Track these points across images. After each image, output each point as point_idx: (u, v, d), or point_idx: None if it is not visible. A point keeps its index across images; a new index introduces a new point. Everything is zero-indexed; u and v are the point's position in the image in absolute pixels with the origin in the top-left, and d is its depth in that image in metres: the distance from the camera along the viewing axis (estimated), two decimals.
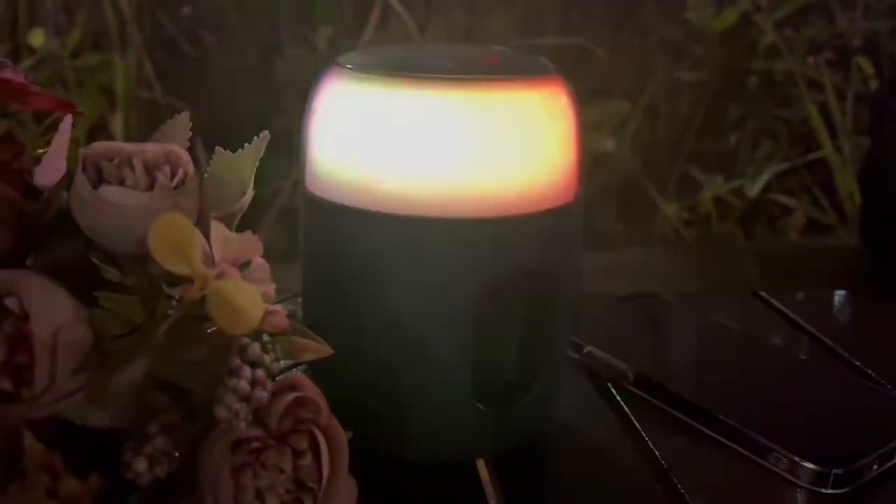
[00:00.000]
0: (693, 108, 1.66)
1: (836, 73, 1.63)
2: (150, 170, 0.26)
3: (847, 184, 1.55)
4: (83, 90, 1.40)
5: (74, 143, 0.31)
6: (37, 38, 1.35)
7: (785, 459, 0.33)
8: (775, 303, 0.53)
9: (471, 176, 0.30)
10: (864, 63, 1.59)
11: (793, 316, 0.51)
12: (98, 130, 1.45)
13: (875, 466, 0.34)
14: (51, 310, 0.23)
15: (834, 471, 0.33)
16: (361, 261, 0.31)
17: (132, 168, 0.26)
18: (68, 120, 0.32)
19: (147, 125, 1.54)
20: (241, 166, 0.28)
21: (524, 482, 0.34)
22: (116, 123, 1.42)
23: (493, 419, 0.33)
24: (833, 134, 1.61)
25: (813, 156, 1.66)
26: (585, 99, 1.23)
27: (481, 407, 0.32)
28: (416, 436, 0.32)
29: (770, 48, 1.61)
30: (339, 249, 0.32)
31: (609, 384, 0.41)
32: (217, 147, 0.29)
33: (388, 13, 1.52)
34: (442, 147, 0.30)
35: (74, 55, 1.39)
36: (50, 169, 0.31)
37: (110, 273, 0.26)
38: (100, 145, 0.27)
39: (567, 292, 0.35)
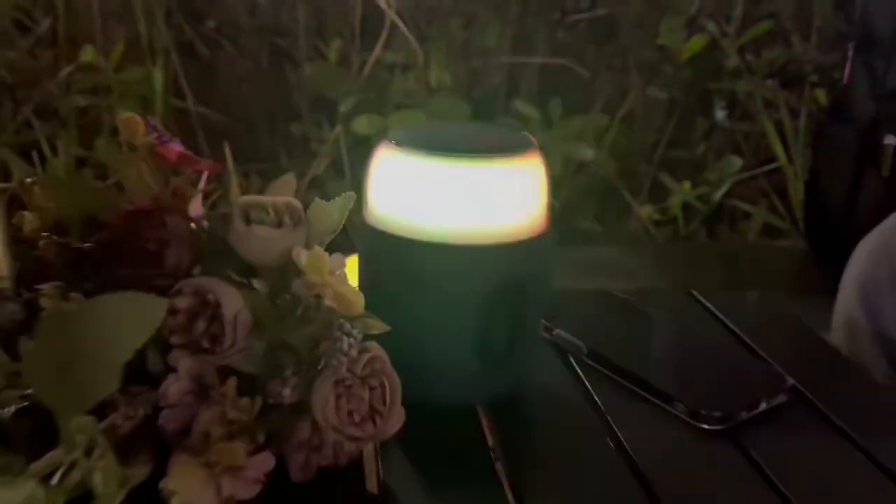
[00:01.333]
0: (664, 121, 1.82)
1: (791, 93, 1.79)
2: (279, 214, 0.41)
3: (799, 192, 1.71)
4: (125, 99, 1.54)
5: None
6: (87, 54, 1.49)
7: (682, 406, 0.49)
8: (701, 299, 0.68)
9: (479, 217, 0.45)
10: (816, 87, 1.75)
11: (712, 309, 0.66)
12: None
13: (743, 413, 0.49)
14: (232, 301, 0.38)
15: (713, 413, 0.48)
16: (402, 270, 0.46)
17: (268, 213, 0.41)
18: (205, 176, 0.47)
19: (180, 130, 1.68)
20: (332, 211, 0.43)
21: (509, 424, 0.49)
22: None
23: (488, 379, 0.48)
24: (787, 147, 1.76)
25: (770, 166, 1.82)
26: (568, 112, 1.40)
27: (481, 369, 0.47)
28: (441, 387, 0.47)
29: (733, 70, 1.77)
30: (386, 263, 0.47)
31: (570, 356, 0.56)
32: (316, 199, 0.44)
33: (395, 31, 1.67)
34: (460, 199, 0.45)
35: (117, 69, 1.53)
36: (195, 207, 0.46)
37: (255, 280, 0.40)
38: (247, 198, 0.41)
39: (541, 291, 0.50)
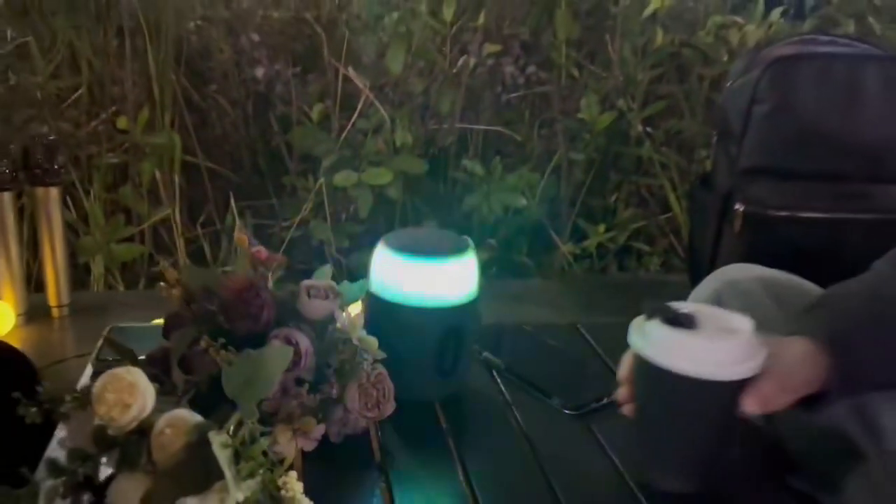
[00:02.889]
0: (583, 177, 2.09)
1: (682, 157, 2.09)
2: (325, 291, 0.69)
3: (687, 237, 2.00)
4: (151, 158, 1.78)
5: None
6: (121, 121, 1.73)
7: (556, 399, 0.78)
8: (581, 330, 0.97)
9: (437, 289, 0.74)
10: (703, 153, 2.05)
11: (586, 335, 0.95)
12: (161, 186, 1.83)
13: (593, 404, 0.78)
14: (304, 341, 0.65)
15: (573, 404, 0.77)
16: (390, 320, 0.74)
17: (319, 290, 0.69)
18: (270, 260, 0.75)
19: (191, 180, 1.92)
20: (354, 289, 0.71)
21: (455, 413, 0.77)
22: (174, 180, 1.80)
23: (442, 385, 0.77)
24: (679, 200, 2.05)
25: (666, 215, 2.11)
26: (507, 169, 1.74)
27: (438, 377, 0.76)
28: (414, 390, 0.75)
29: (637, 138, 2.05)
30: (381, 316, 0.75)
31: (492, 370, 0.85)
32: (345, 281, 0.72)
33: (368, 102, 1.92)
34: (425, 280, 0.74)
35: (144, 132, 1.77)
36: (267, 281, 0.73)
37: (304, 326, 0.68)
38: (308, 282, 0.69)
39: (474, 329, 0.79)
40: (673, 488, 0.64)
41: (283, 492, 0.56)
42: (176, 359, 0.62)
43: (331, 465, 0.66)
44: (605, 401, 0.79)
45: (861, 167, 1.42)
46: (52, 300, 1.36)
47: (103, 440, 0.57)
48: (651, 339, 0.62)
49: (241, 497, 0.53)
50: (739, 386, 0.61)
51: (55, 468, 0.55)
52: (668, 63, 2.06)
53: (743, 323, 0.63)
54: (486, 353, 0.86)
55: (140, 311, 1.48)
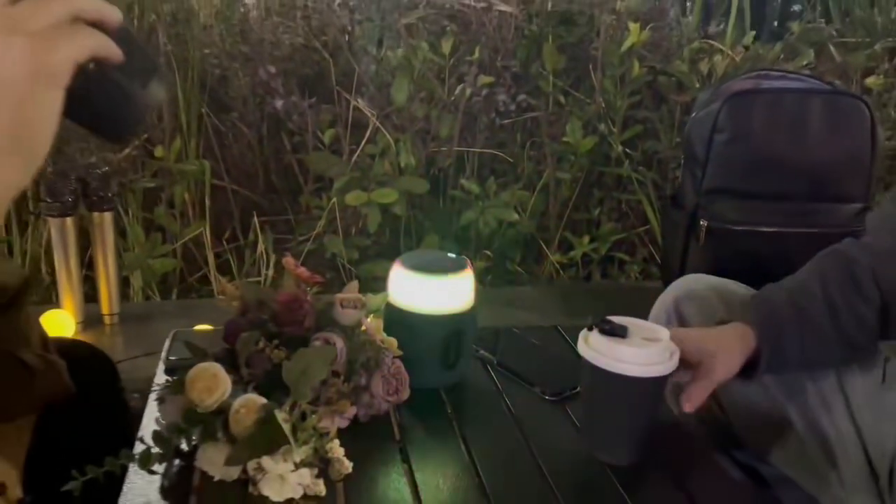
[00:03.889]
0: (569, 194, 2.26)
1: (658, 175, 2.25)
2: (354, 302, 0.85)
3: None
4: (181, 182, 1.94)
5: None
6: (158, 150, 1.90)
7: (539, 388, 0.94)
8: (561, 330, 1.13)
9: (442, 301, 0.90)
10: (676, 171, 2.20)
11: (564, 334, 1.11)
12: (190, 207, 1.99)
13: (568, 391, 0.95)
14: (339, 342, 0.82)
15: (553, 391, 0.93)
16: (405, 326, 0.91)
17: (349, 301, 0.85)
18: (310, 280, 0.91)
19: (218, 203, 2.08)
20: (377, 299, 0.87)
21: (458, 399, 0.93)
22: (204, 201, 1.96)
23: (446, 375, 0.93)
24: (656, 213, 2.22)
25: (644, 227, 2.28)
26: (501, 187, 1.95)
27: (444, 370, 0.93)
28: (424, 379, 0.92)
29: (617, 158, 2.22)
30: (397, 322, 0.91)
31: (487, 364, 1.01)
32: (369, 293, 0.88)
33: (376, 131, 2.09)
34: (433, 293, 0.90)
35: (177, 160, 1.94)
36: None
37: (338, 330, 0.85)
38: (341, 295, 0.86)
39: (472, 333, 0.95)
40: (610, 460, 0.81)
41: (329, 455, 0.72)
42: (244, 357, 0.79)
43: (360, 439, 0.82)
44: (577, 388, 0.95)
45: (807, 188, 1.59)
46: (104, 309, 1.53)
47: (193, 417, 0.73)
48: (592, 346, 0.78)
49: (299, 458, 0.70)
50: (659, 381, 0.77)
51: (159, 438, 0.72)
52: (644, 91, 2.23)
53: (662, 333, 0.79)
54: (481, 351, 1.02)
55: (178, 318, 1.65)
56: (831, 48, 2.44)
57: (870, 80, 2.29)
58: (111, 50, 0.47)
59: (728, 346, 0.88)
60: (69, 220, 1.41)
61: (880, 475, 0.93)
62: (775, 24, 3.02)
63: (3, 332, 0.75)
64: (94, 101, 0.48)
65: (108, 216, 1.45)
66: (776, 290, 0.97)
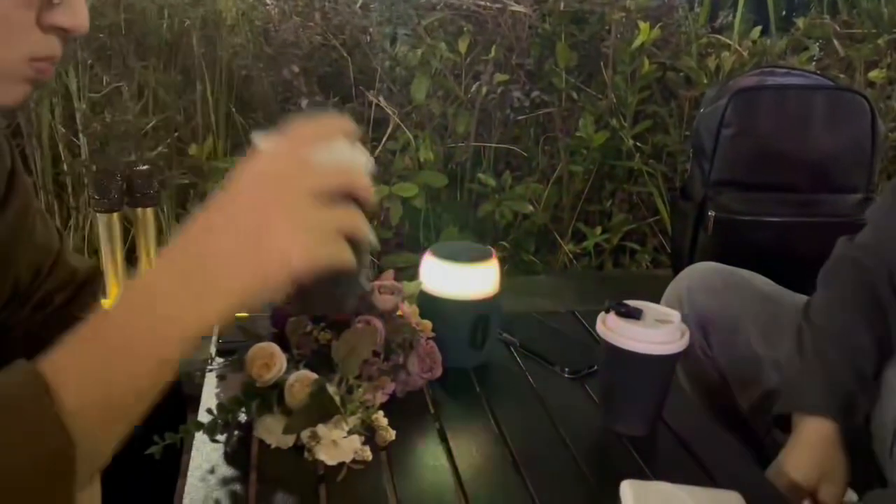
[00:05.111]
0: (582, 186, 2.32)
1: (667, 167, 2.31)
2: (391, 288, 0.93)
3: None
4: (214, 178, 2.02)
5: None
6: (192, 149, 1.98)
7: (559, 366, 1.01)
8: (578, 315, 1.20)
9: (470, 287, 0.98)
10: (685, 164, 2.27)
11: (581, 319, 1.18)
12: None
13: (585, 369, 1.02)
14: (379, 325, 0.89)
15: (572, 369, 1.01)
16: (437, 311, 0.98)
17: (387, 288, 0.93)
18: None
19: None
20: (412, 286, 0.94)
21: (485, 376, 1.01)
22: None
23: (474, 355, 1.01)
24: (665, 204, 2.28)
25: (655, 217, 2.34)
26: (516, 180, 2.03)
27: (472, 351, 1.00)
28: (455, 359, 0.99)
29: (628, 152, 2.28)
30: (431, 308, 0.99)
31: (511, 346, 1.08)
32: (404, 281, 0.95)
33: (396, 128, 2.16)
34: (462, 280, 0.97)
35: (208, 158, 2.01)
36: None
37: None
38: (379, 282, 0.93)
39: (497, 317, 1.02)
40: (626, 431, 0.88)
41: (374, 424, 0.80)
42: (294, 338, 0.87)
43: (399, 412, 0.89)
44: (594, 367, 1.02)
45: (810, 179, 1.65)
46: None
47: (251, 391, 0.81)
48: (609, 327, 0.85)
49: (349, 426, 0.78)
50: (671, 358, 0.84)
51: (223, 409, 0.79)
52: (654, 86, 2.28)
53: (674, 315, 0.86)
54: (505, 335, 1.09)
55: None
56: (836, 43, 2.49)
57: (873, 74, 2.34)
58: (348, 262, 0.51)
59: (830, 467, 0.93)
60: (115, 216, 1.50)
61: (880, 450, 1.00)
62: (783, 13, 3.04)
63: (83, 316, 0.82)
64: (312, 294, 0.53)
65: (150, 212, 1.53)
66: (841, 367, 0.98)
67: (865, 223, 1.17)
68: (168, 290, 0.48)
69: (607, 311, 0.86)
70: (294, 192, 0.49)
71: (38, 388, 0.45)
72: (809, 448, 0.93)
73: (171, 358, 0.48)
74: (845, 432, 0.94)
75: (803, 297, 1.17)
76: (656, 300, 1.14)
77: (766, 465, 1.11)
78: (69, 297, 0.81)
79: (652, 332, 0.83)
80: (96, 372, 0.47)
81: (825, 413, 0.94)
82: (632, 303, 0.87)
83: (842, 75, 2.28)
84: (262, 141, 0.52)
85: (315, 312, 0.60)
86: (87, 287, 0.84)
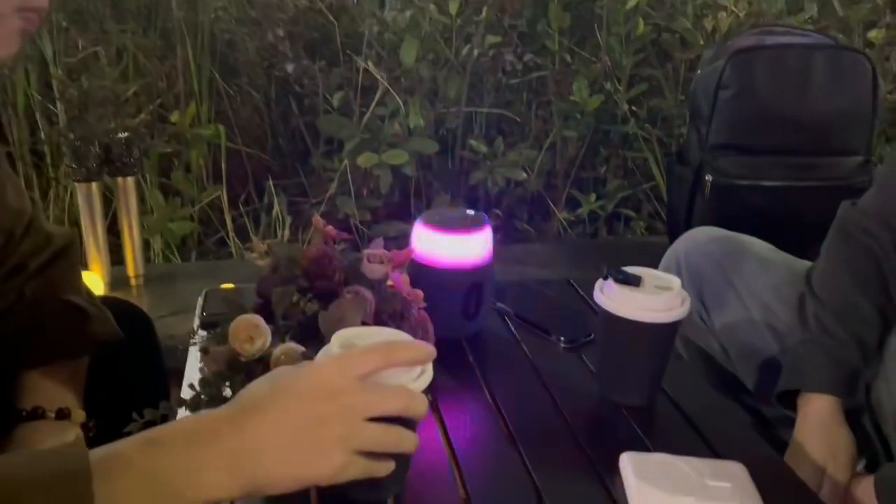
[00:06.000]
0: (576, 152, 2.29)
1: (663, 132, 2.28)
2: (380, 258, 0.90)
3: None
4: (197, 146, 1.97)
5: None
6: (174, 116, 1.92)
7: (555, 336, 0.99)
8: (573, 283, 1.18)
9: (463, 256, 0.94)
10: (681, 128, 2.23)
11: (577, 287, 1.15)
12: (205, 171, 2.03)
13: (582, 338, 0.99)
14: (368, 293, 0.86)
15: (568, 338, 0.98)
16: (430, 281, 0.95)
17: (376, 257, 0.89)
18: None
19: (232, 167, 2.11)
20: (401, 257, 0.91)
21: (478, 347, 0.98)
22: (220, 165, 2.00)
23: (468, 325, 0.98)
24: (661, 170, 2.25)
25: (650, 183, 2.31)
26: (508, 146, 1.99)
27: (465, 321, 0.97)
28: (449, 329, 0.96)
29: (623, 116, 2.24)
30: (423, 278, 0.96)
31: (505, 316, 1.06)
32: (394, 249, 0.92)
33: (385, 93, 2.11)
34: (455, 248, 0.94)
35: (191, 125, 1.96)
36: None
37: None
38: (369, 251, 0.90)
39: (490, 286, 0.99)
40: (624, 401, 0.85)
41: None
42: (280, 310, 0.83)
43: None
44: (591, 336, 0.99)
45: (810, 142, 1.62)
46: (130, 271, 1.58)
47: (236, 365, 0.78)
48: (608, 295, 0.82)
49: None
50: (671, 326, 0.81)
51: (206, 384, 0.77)
52: (649, 48, 2.24)
53: (674, 281, 0.83)
54: (499, 304, 1.07)
55: (201, 279, 1.70)
56: (834, 2, 2.44)
57: (872, 34, 2.29)
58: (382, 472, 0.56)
59: (838, 445, 0.92)
60: (94, 186, 1.45)
61: (886, 423, 0.98)
62: None
63: (60, 282, 0.80)
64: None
65: (130, 181, 1.48)
66: (846, 344, 0.96)
67: (865, 186, 1.14)
68: (214, 468, 0.50)
69: (605, 279, 0.84)
70: (349, 408, 0.53)
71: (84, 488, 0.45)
72: (818, 428, 0.92)
73: None
74: (848, 408, 0.93)
75: (804, 263, 1.15)
76: (652, 267, 1.11)
77: (765, 432, 1.09)
78: (44, 264, 0.80)
79: (652, 299, 0.80)
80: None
81: (831, 392, 0.93)
82: (630, 269, 0.84)
83: (840, 35, 2.24)
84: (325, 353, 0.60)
85: (356, 496, 0.65)
86: (64, 254, 0.82)
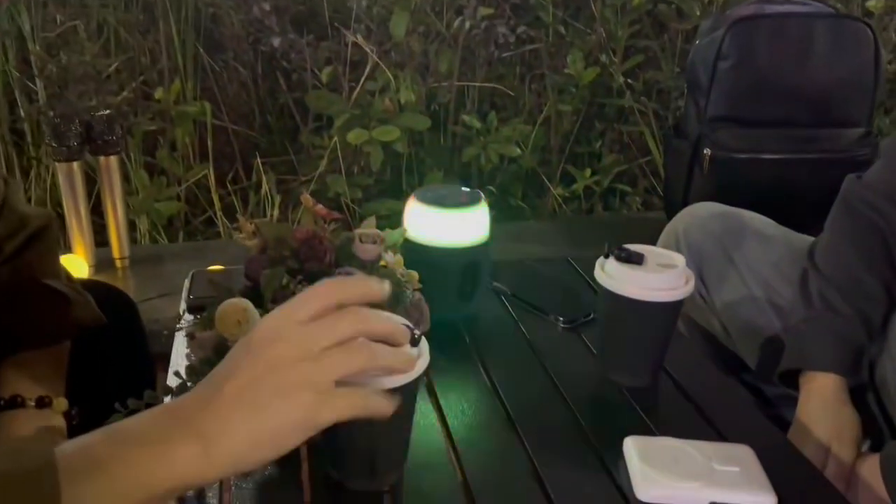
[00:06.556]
0: (570, 127, 2.26)
1: (659, 105, 2.24)
2: (372, 237, 0.87)
3: None
4: (182, 124, 1.93)
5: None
6: (159, 93, 1.88)
7: (554, 316, 0.96)
8: (572, 262, 1.15)
9: (458, 235, 0.92)
10: (677, 101, 2.20)
11: (576, 266, 1.13)
12: (191, 149, 1.99)
13: (581, 318, 0.97)
14: (359, 275, 0.84)
15: (567, 317, 0.96)
16: (425, 260, 0.92)
17: (368, 236, 0.87)
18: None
19: (219, 145, 2.07)
20: (394, 235, 0.89)
21: (475, 328, 0.96)
22: (207, 143, 1.95)
23: (465, 305, 0.96)
24: (658, 143, 2.22)
25: (646, 158, 2.28)
26: (502, 121, 1.96)
27: (461, 301, 0.95)
28: (445, 309, 0.94)
29: (619, 89, 2.20)
30: (416, 256, 0.93)
31: (502, 296, 1.03)
32: (387, 229, 0.89)
33: (375, 67, 2.07)
34: (450, 226, 0.91)
35: (176, 102, 1.92)
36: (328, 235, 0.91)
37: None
38: (360, 231, 0.87)
39: (487, 265, 0.97)
40: (626, 381, 0.83)
41: None
42: (269, 293, 0.81)
43: None
44: (591, 316, 0.97)
45: (811, 113, 1.60)
46: (115, 253, 1.54)
47: (223, 351, 0.75)
48: (609, 273, 0.80)
49: None
50: (675, 305, 0.79)
51: (193, 371, 0.74)
52: (645, 19, 2.20)
53: (678, 259, 0.81)
54: (496, 283, 1.04)
55: (188, 260, 1.67)
56: None
57: (871, 3, 2.26)
58: (379, 410, 0.50)
59: (843, 423, 0.90)
60: (76, 165, 1.41)
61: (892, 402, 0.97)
62: None
63: (37, 265, 0.77)
64: (336, 452, 0.54)
65: (113, 160, 1.45)
66: (850, 322, 0.95)
67: (866, 159, 1.12)
68: (188, 454, 0.47)
69: (606, 257, 0.81)
70: (299, 343, 0.49)
71: (50, 487, 0.43)
72: (822, 407, 0.90)
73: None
74: (852, 386, 0.91)
75: (805, 238, 1.13)
76: (649, 243, 1.09)
77: (768, 411, 1.08)
78: (20, 246, 0.77)
79: (655, 277, 0.78)
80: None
81: (836, 370, 0.91)
82: (632, 247, 0.82)
83: (838, 4, 2.20)
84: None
85: (352, 485, 0.61)
86: (41, 236, 0.79)
